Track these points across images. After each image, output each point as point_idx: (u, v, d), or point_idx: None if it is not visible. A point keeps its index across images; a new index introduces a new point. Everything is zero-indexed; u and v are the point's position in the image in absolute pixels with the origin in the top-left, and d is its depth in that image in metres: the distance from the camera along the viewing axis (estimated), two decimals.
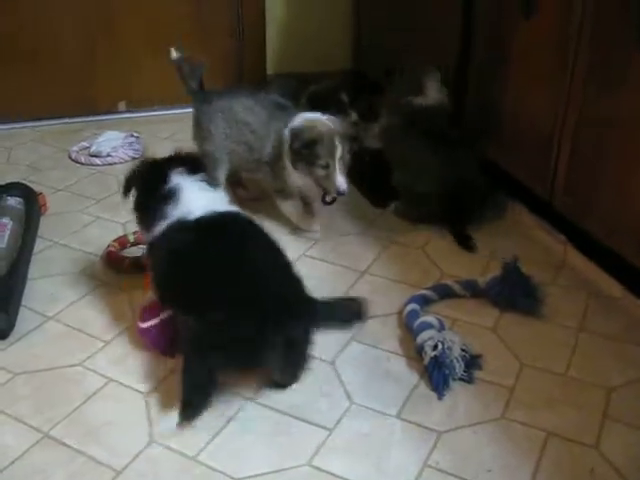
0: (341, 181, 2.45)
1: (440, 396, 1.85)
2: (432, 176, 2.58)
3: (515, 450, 1.70)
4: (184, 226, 1.84)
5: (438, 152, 2.59)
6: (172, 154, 2.04)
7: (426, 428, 1.76)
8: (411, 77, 2.84)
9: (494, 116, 2.79)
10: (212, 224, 1.86)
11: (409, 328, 2.07)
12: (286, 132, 2.52)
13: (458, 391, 1.88)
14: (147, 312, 1.95)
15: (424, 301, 2.17)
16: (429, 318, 2.05)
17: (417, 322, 2.04)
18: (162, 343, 1.94)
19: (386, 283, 2.34)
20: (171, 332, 1.91)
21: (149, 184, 1.97)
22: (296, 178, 2.55)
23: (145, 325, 1.93)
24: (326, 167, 2.46)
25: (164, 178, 1.93)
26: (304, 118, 2.54)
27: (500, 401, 1.84)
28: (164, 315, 1.92)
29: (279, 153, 2.56)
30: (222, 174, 2.73)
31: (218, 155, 2.71)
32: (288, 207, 2.67)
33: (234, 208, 1.96)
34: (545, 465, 1.66)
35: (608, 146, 2.21)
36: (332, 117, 2.57)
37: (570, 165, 2.39)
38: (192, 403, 1.71)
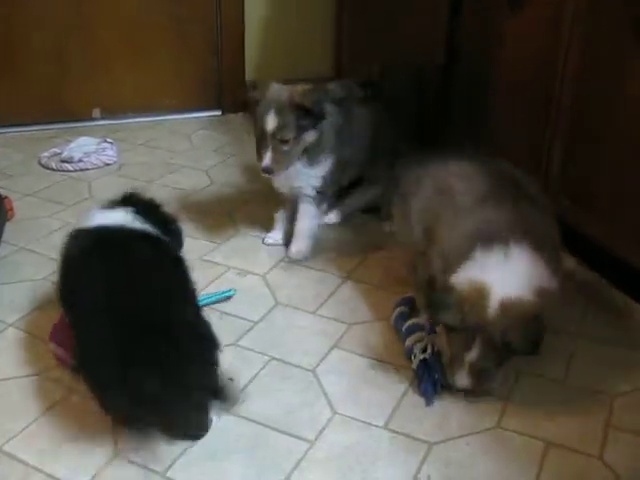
0: (266, 158, 2.19)
1: (429, 402, 1.73)
2: None
3: (512, 462, 1.58)
4: (78, 234, 1.84)
5: None
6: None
7: (416, 439, 1.63)
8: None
9: (482, 119, 2.70)
10: (103, 236, 1.81)
11: (398, 331, 1.95)
12: None
13: (449, 399, 1.75)
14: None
15: (413, 304, 2.04)
16: (418, 320, 1.92)
17: (406, 325, 1.92)
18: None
19: (369, 289, 2.21)
20: None
21: None
22: None
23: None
24: (260, 139, 2.22)
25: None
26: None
27: (495, 409, 1.72)
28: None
29: None
30: None
31: None
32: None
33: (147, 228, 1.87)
34: (546, 477, 1.54)
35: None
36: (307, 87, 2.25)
37: (564, 165, 2.29)
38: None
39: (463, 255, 1.72)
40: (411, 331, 1.89)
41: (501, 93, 2.60)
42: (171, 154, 3.32)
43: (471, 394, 1.72)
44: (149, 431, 1.59)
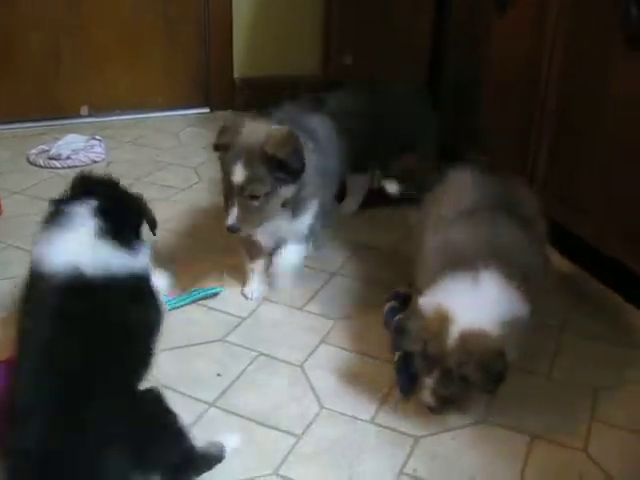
0: (232, 215, 1.90)
1: (405, 396, 1.74)
2: None
3: (498, 456, 1.59)
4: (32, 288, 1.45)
5: None
6: None
7: (402, 433, 1.65)
8: None
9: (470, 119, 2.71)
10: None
11: (387, 325, 1.97)
12: None
13: None
14: None
15: (403, 299, 2.05)
16: None
17: (396, 319, 1.93)
18: None
19: (357, 286, 2.23)
20: None
21: None
22: None
23: None
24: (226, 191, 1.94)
25: None
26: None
27: (480, 404, 1.73)
28: None
29: None
30: None
31: None
32: None
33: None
34: (531, 471, 1.55)
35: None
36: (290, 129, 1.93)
37: (551, 165, 2.31)
38: None
39: (432, 276, 1.66)
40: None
41: (489, 93, 2.62)
42: (159, 151, 3.32)
43: (437, 412, 1.67)
44: None
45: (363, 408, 1.71)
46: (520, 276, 1.62)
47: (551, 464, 1.57)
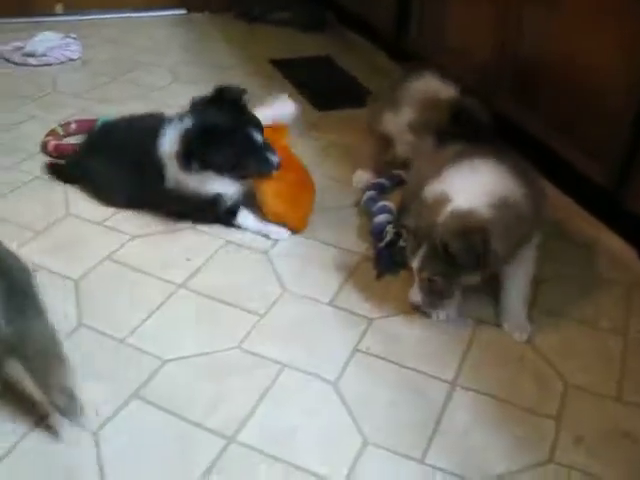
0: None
1: (380, 276, 1.89)
2: None
3: (445, 337, 1.72)
4: None
5: None
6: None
7: (358, 315, 1.77)
8: None
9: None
10: None
11: (367, 211, 2.11)
12: None
13: (391, 281, 1.89)
14: None
15: (381, 189, 2.20)
16: (389, 203, 2.08)
17: (377, 205, 2.08)
18: None
19: (328, 182, 2.31)
20: None
21: None
22: None
23: None
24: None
25: None
26: None
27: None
28: None
29: None
30: None
31: None
32: None
33: None
34: (474, 351, 1.68)
35: None
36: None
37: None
38: None
39: (436, 173, 1.73)
40: (382, 211, 2.05)
41: None
42: (135, 51, 3.35)
43: (423, 312, 1.75)
44: None
45: (323, 292, 1.83)
46: (520, 173, 1.69)
47: (493, 347, 1.70)
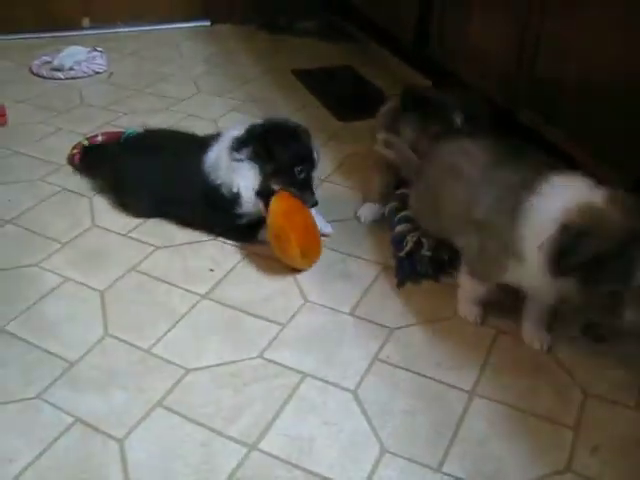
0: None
1: (400, 284, 1.91)
2: None
3: (465, 346, 1.74)
4: None
5: None
6: None
7: (378, 325, 1.79)
8: None
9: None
10: None
11: (389, 222, 2.12)
12: None
13: (412, 290, 1.91)
14: None
15: (403, 200, 2.18)
16: (409, 213, 2.08)
17: (398, 216, 2.09)
18: None
19: (348, 192, 2.35)
20: None
21: None
22: None
23: None
24: None
25: None
26: None
27: (453, 301, 1.85)
28: None
29: None
30: None
31: None
32: None
33: None
34: (493, 360, 1.70)
35: None
36: None
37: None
38: None
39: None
40: (403, 221, 2.07)
41: None
42: (160, 63, 3.40)
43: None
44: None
45: (343, 302, 1.85)
46: None
47: (512, 355, 1.71)
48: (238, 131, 2.02)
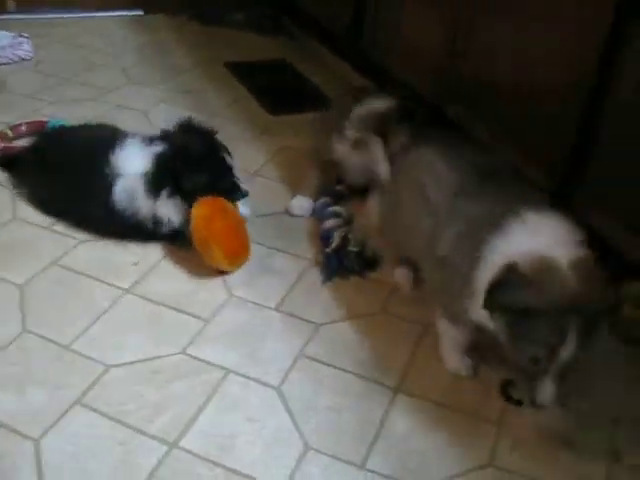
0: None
1: (325, 281, 1.90)
2: None
3: (390, 343, 1.74)
4: None
5: None
6: None
7: (304, 320, 1.78)
8: None
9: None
10: None
11: (318, 216, 2.13)
12: None
13: (339, 286, 1.90)
14: None
15: (334, 196, 2.21)
16: (340, 209, 2.11)
17: (328, 210, 2.10)
18: None
19: (277, 186, 2.33)
20: None
21: None
22: None
23: None
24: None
25: None
26: None
27: (380, 298, 1.87)
28: None
29: None
30: None
31: None
32: None
33: None
34: (418, 356, 1.70)
35: None
36: None
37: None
38: None
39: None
40: (330, 216, 2.08)
41: None
42: (89, 52, 3.31)
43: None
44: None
45: (269, 297, 1.84)
46: None
47: (437, 352, 1.70)
48: (141, 158, 1.94)
